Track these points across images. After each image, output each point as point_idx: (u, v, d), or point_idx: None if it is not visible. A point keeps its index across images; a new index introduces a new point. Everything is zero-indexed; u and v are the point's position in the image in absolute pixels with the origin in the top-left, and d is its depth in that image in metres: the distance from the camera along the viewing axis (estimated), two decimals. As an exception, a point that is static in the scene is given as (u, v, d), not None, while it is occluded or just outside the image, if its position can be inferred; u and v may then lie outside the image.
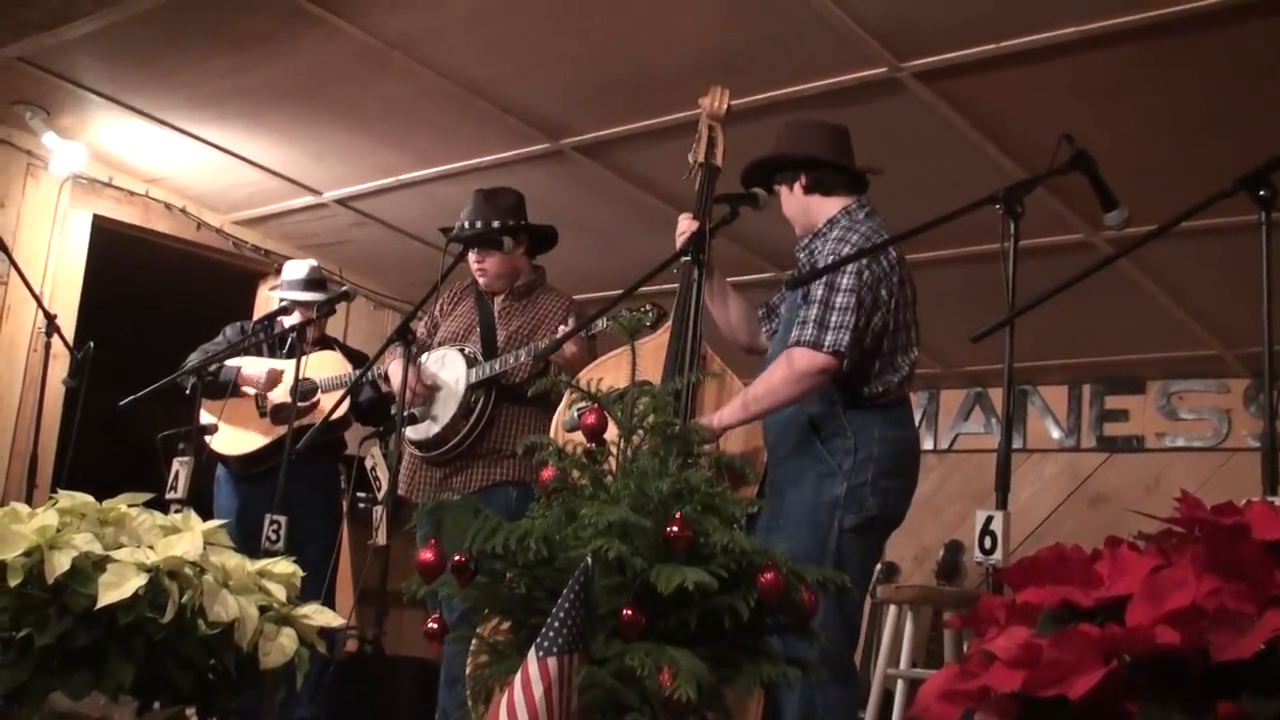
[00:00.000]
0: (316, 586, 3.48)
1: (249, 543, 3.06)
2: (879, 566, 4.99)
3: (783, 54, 3.81)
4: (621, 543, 1.94)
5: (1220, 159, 2.96)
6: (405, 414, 3.59)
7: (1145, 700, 1.31)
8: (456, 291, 4.07)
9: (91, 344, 4.34)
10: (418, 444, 3.83)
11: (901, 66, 3.76)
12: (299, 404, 4.10)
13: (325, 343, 4.79)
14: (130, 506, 2.50)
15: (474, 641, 2.18)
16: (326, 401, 4.50)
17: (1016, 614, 1.49)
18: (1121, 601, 1.39)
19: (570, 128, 4.57)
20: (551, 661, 1.71)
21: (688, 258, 2.99)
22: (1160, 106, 3.76)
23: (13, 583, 2.23)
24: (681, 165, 3.32)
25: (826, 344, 2.85)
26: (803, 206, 3.15)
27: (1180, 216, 2.22)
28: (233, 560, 2.50)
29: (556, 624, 1.73)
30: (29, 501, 2.83)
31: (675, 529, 1.94)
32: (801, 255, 3.14)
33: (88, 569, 2.28)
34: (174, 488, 3.75)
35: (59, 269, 5.42)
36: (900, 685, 5.13)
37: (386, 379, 4.16)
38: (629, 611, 1.91)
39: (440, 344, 3.94)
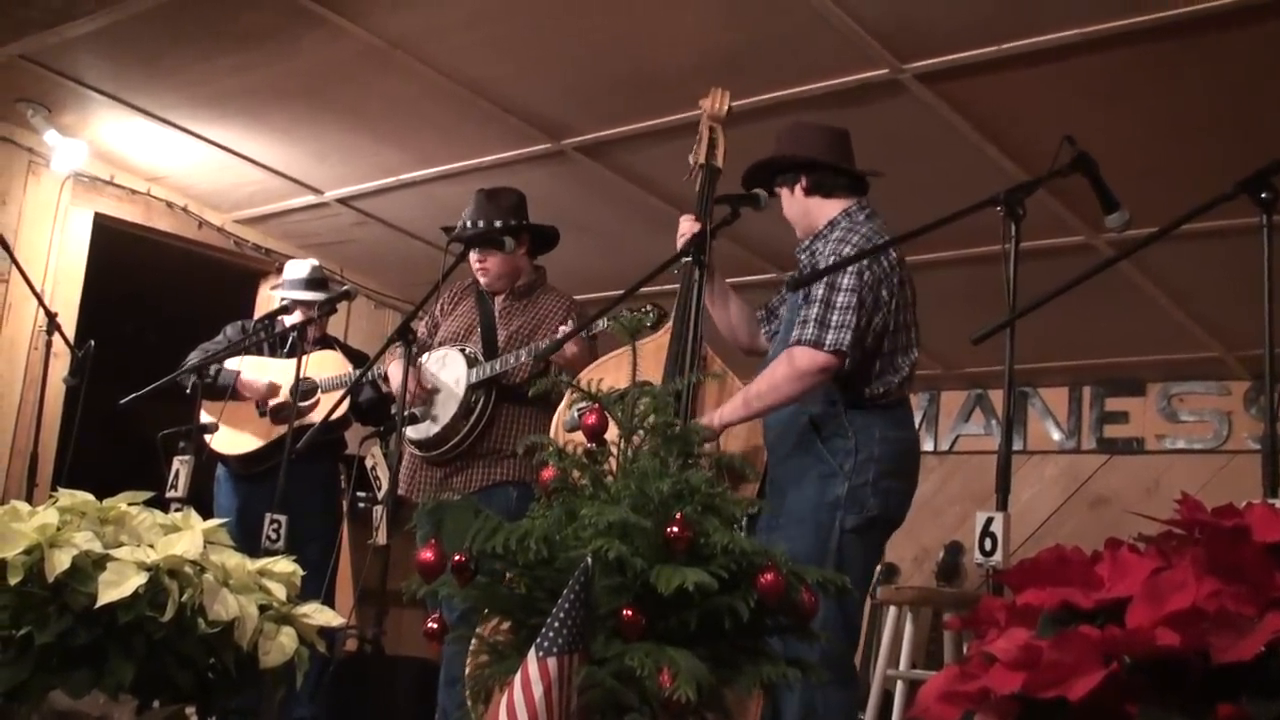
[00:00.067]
0: (316, 586, 3.48)
1: (249, 542, 3.06)
2: (879, 567, 4.99)
3: (784, 55, 3.81)
4: (622, 543, 1.94)
5: (1221, 161, 2.97)
6: (405, 414, 3.59)
7: (1145, 702, 1.31)
8: (457, 291, 4.07)
9: (92, 342, 4.35)
10: (418, 444, 3.83)
11: (903, 68, 3.76)
12: (299, 404, 4.10)
13: (326, 342, 4.79)
14: (130, 505, 2.51)
15: (474, 641, 2.18)
16: (326, 401, 4.50)
17: (1016, 615, 1.49)
18: (1122, 603, 1.39)
19: (571, 128, 4.57)
20: (551, 662, 1.71)
21: (689, 258, 3.00)
22: (1161, 109, 3.76)
23: (13, 581, 2.24)
24: (683, 165, 3.32)
25: (828, 343, 2.85)
26: (803, 208, 3.15)
27: (1181, 219, 2.22)
28: (233, 559, 2.51)
29: (556, 624, 1.73)
30: (29, 500, 2.83)
31: (675, 529, 1.94)
32: (803, 257, 3.14)
33: (88, 567, 2.28)
34: (174, 486, 3.75)
35: (60, 267, 5.42)
36: (900, 686, 5.13)
37: (386, 379, 4.16)
38: (629, 612, 1.91)
39: (441, 344, 3.94)
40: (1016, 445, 6.06)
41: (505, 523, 2.04)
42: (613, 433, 2.20)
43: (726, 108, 3.32)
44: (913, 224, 2.62)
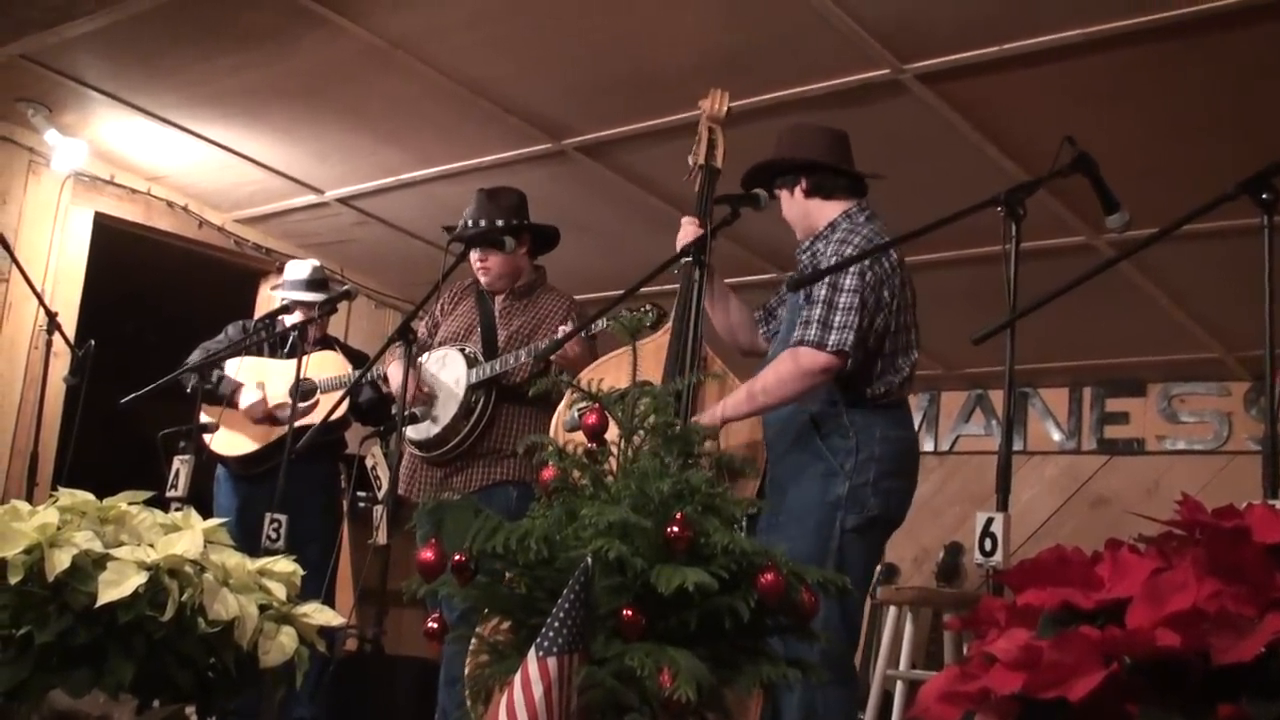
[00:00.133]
0: (316, 585, 3.48)
1: (249, 542, 3.06)
2: (879, 568, 4.99)
3: (785, 55, 3.81)
4: (622, 543, 1.93)
5: (1221, 162, 2.97)
6: (405, 414, 3.59)
7: (1145, 703, 1.31)
8: (457, 291, 4.07)
9: (92, 342, 4.35)
10: (418, 444, 3.83)
11: (904, 68, 3.76)
12: (299, 405, 4.10)
13: (326, 343, 4.79)
14: (130, 505, 2.51)
15: (474, 641, 2.18)
16: (326, 402, 4.50)
17: (1017, 616, 1.49)
18: (1122, 604, 1.39)
19: (572, 128, 4.57)
20: (551, 661, 1.71)
21: (689, 258, 3.00)
22: (1162, 109, 3.76)
23: (13, 580, 2.24)
24: (683, 165, 3.32)
25: (831, 343, 2.85)
26: (803, 210, 3.15)
27: (1182, 220, 2.22)
28: (233, 559, 2.51)
29: (556, 624, 1.73)
30: (29, 499, 2.83)
31: (676, 529, 1.94)
32: (804, 258, 3.14)
33: (88, 567, 2.28)
34: (174, 486, 3.75)
35: (60, 267, 5.42)
36: (900, 687, 5.14)
37: (386, 379, 4.16)
38: (629, 612, 1.91)
39: (441, 344, 3.94)
40: (1017, 446, 6.06)
41: (505, 522, 2.04)
42: (613, 433, 2.20)
43: (725, 109, 3.32)
44: (913, 224, 2.62)
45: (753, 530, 2.86)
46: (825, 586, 2.06)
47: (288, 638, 2.46)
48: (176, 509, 3.00)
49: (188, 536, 2.42)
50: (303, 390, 4.18)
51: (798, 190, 3.14)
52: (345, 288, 4.25)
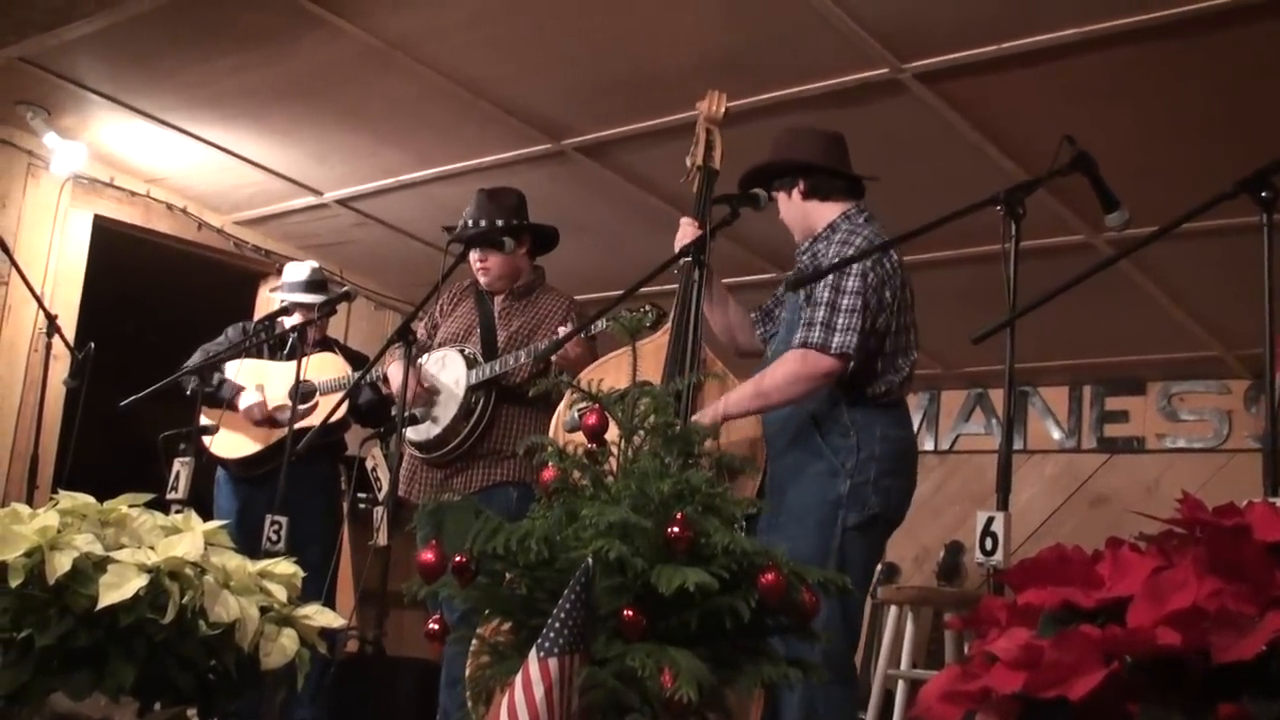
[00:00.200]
0: (317, 587, 3.47)
1: (249, 544, 3.05)
2: (880, 567, 4.99)
3: (784, 55, 3.81)
4: (622, 543, 1.93)
5: (1220, 160, 2.96)
6: (405, 415, 3.59)
7: (1146, 701, 1.31)
8: (457, 292, 4.07)
9: (92, 344, 4.35)
10: (418, 445, 3.83)
11: (903, 68, 3.76)
12: (298, 406, 4.10)
13: (326, 344, 4.78)
14: (131, 507, 2.50)
15: (475, 642, 2.18)
16: (325, 404, 4.50)
17: (1017, 615, 1.49)
18: (1122, 603, 1.39)
19: (571, 128, 4.57)
20: (552, 662, 1.71)
21: (688, 258, 3.00)
22: (1161, 108, 3.76)
23: (13, 583, 2.23)
24: (683, 166, 3.33)
25: (834, 346, 2.86)
26: (801, 212, 3.16)
27: (1182, 218, 2.22)
28: (233, 561, 2.50)
29: (557, 625, 1.73)
30: (30, 502, 2.83)
31: (676, 530, 1.94)
32: (804, 259, 3.14)
33: (88, 569, 2.27)
34: (175, 488, 3.75)
35: (60, 269, 5.42)
36: (901, 686, 5.13)
37: (386, 380, 4.16)
38: (630, 612, 1.91)
39: (440, 345, 3.94)
40: (1017, 444, 6.06)
41: (506, 523, 2.04)
42: (613, 433, 2.20)
43: (723, 110, 3.33)
44: (912, 224, 2.62)
45: (753, 529, 2.86)
46: (826, 586, 2.06)
47: (289, 640, 2.46)
48: (177, 511, 3.01)
49: (188, 539, 2.42)
50: (302, 392, 4.18)
51: (795, 192, 3.14)
52: (344, 289, 4.25)
